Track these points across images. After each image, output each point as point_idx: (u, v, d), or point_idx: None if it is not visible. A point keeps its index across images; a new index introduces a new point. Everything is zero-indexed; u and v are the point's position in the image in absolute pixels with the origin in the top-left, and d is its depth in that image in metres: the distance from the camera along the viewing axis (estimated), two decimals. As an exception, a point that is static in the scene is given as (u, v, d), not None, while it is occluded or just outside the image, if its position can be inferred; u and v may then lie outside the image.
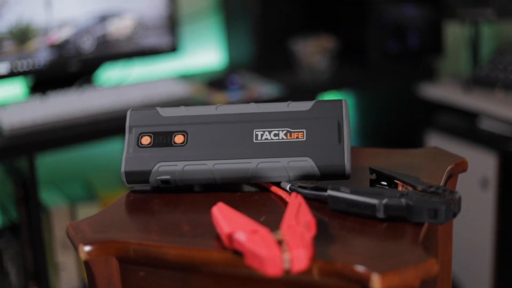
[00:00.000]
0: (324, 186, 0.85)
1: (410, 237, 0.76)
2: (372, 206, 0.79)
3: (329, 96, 2.35)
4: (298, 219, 0.75)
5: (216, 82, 2.26)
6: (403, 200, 0.79)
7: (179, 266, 0.77)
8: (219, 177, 0.89)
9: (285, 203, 0.86)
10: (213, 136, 0.90)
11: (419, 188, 0.82)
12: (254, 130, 0.90)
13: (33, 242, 1.92)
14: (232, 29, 2.51)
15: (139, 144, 0.91)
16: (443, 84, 2.43)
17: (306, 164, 0.87)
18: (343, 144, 0.88)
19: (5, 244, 1.95)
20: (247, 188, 0.92)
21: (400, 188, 0.86)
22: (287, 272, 0.70)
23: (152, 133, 0.92)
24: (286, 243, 0.71)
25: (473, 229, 2.24)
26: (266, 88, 2.21)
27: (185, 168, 0.89)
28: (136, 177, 0.90)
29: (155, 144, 0.91)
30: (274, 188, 0.89)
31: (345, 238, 0.77)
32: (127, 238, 0.79)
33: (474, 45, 2.38)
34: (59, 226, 2.02)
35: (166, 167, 0.89)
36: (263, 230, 0.73)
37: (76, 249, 0.79)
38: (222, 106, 0.93)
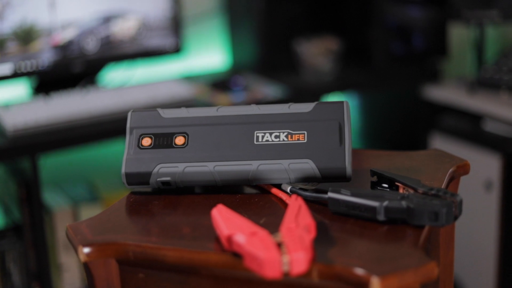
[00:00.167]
0: (325, 188, 0.84)
1: (410, 240, 0.76)
2: (373, 209, 0.79)
3: (333, 97, 2.34)
4: (298, 221, 0.75)
5: (220, 83, 2.26)
6: (403, 203, 0.78)
7: (179, 268, 0.77)
8: (219, 179, 0.89)
9: (285, 205, 0.86)
10: (213, 137, 0.90)
11: (420, 190, 0.82)
12: (255, 132, 0.90)
13: (35, 243, 1.92)
14: (236, 30, 2.51)
15: (139, 146, 0.91)
16: (447, 86, 2.42)
17: (307, 166, 0.87)
18: (344, 146, 0.88)
19: (8, 244, 1.95)
20: (247, 190, 0.92)
21: (401, 190, 0.86)
22: (286, 274, 0.70)
23: (153, 134, 0.92)
24: (286, 245, 0.71)
25: (477, 232, 2.24)
26: (270, 90, 2.21)
27: (186, 169, 0.89)
28: (136, 178, 0.90)
29: (155, 145, 0.91)
30: (274, 190, 0.89)
31: (345, 241, 0.77)
32: (126, 240, 0.79)
33: (479, 47, 2.38)
34: (61, 227, 2.02)
35: (167, 168, 0.89)
36: (262, 233, 0.72)
37: (75, 250, 0.79)
38: (223, 108, 0.92)
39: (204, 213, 0.83)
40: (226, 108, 0.92)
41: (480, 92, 2.30)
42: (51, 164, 2.18)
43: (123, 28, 2.19)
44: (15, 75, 2.03)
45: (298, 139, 0.89)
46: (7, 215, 2.10)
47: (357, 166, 0.95)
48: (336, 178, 0.87)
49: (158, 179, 0.89)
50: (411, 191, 0.84)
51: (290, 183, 0.89)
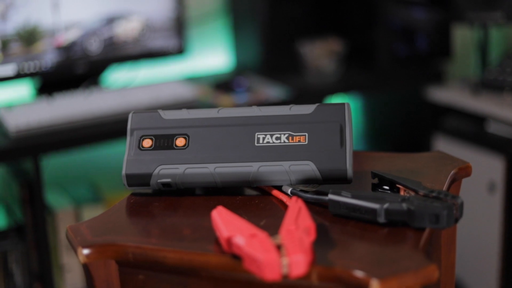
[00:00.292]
0: (325, 190, 0.84)
1: (411, 242, 0.76)
2: (373, 211, 0.79)
3: (336, 99, 2.34)
4: (298, 223, 0.74)
5: (223, 84, 2.26)
6: (404, 205, 0.78)
7: (178, 270, 0.77)
8: (220, 181, 0.89)
9: (286, 207, 0.86)
10: (214, 139, 0.90)
11: (421, 192, 0.82)
12: (256, 134, 0.90)
13: (38, 244, 1.92)
14: (239, 32, 2.51)
15: (140, 147, 0.91)
16: (451, 88, 2.42)
17: (308, 168, 0.87)
18: (345, 148, 0.88)
19: (10, 245, 1.96)
20: (248, 191, 0.92)
21: (402, 192, 0.86)
22: (286, 277, 0.70)
23: (154, 136, 0.91)
24: (285, 247, 0.70)
25: (480, 233, 2.23)
26: (273, 91, 2.21)
27: (186, 171, 0.89)
28: (137, 180, 0.90)
29: (156, 147, 0.91)
30: (275, 192, 0.89)
31: (345, 243, 0.77)
32: (126, 242, 0.78)
33: (483, 48, 2.37)
34: (64, 227, 2.02)
35: (167, 170, 0.89)
36: (261, 235, 0.72)
37: (75, 252, 0.79)
38: (224, 109, 0.92)
39: (204, 215, 0.83)
40: (227, 109, 0.92)
41: (483, 94, 2.30)
42: (54, 165, 2.18)
43: (127, 29, 2.19)
44: (18, 76, 2.04)
45: (299, 141, 0.89)
46: (9, 216, 2.10)
47: (358, 168, 0.95)
48: (337, 180, 0.87)
49: (158, 181, 0.89)
50: (412, 193, 0.83)
51: (290, 185, 0.88)
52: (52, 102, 1.98)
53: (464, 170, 0.96)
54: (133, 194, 0.92)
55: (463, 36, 2.58)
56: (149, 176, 0.89)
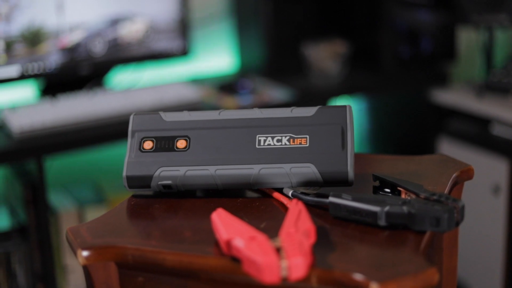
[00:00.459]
0: (326, 192, 0.84)
1: (411, 245, 0.75)
2: (374, 214, 0.79)
3: (341, 101, 2.34)
4: (298, 226, 0.74)
5: (227, 86, 2.26)
6: (405, 208, 0.78)
7: (178, 272, 0.77)
8: (221, 183, 0.88)
9: (286, 209, 0.85)
10: (215, 141, 0.90)
11: (422, 195, 0.81)
12: (257, 136, 0.90)
13: (41, 245, 1.92)
14: (243, 33, 2.51)
15: (141, 149, 0.91)
16: (455, 90, 2.41)
17: (309, 170, 0.87)
18: (347, 151, 0.87)
19: (13, 246, 1.96)
20: (249, 194, 0.91)
21: (403, 195, 0.85)
22: (285, 279, 0.69)
23: (155, 137, 0.91)
24: (284, 250, 0.70)
25: (484, 236, 2.23)
26: (277, 93, 2.21)
27: (187, 173, 0.88)
28: (137, 181, 0.90)
29: (157, 148, 0.90)
30: (276, 194, 0.89)
31: (345, 246, 0.76)
32: (125, 244, 0.78)
33: (487, 50, 2.37)
34: (67, 229, 2.02)
35: (168, 172, 0.89)
36: (261, 237, 0.72)
37: (74, 254, 0.79)
38: (225, 111, 0.92)
39: (205, 217, 0.83)
40: (228, 111, 0.92)
41: (488, 96, 2.29)
42: (57, 166, 2.19)
43: (131, 31, 2.19)
44: (23, 77, 2.04)
45: (300, 143, 0.88)
46: (13, 217, 2.11)
47: (360, 170, 0.95)
48: (338, 182, 0.87)
49: (159, 183, 0.89)
50: (413, 196, 0.83)
51: (291, 187, 0.88)
52: (56, 104, 1.98)
53: (466, 173, 0.96)
54: (134, 196, 0.92)
55: (467, 38, 2.57)
56: (150, 178, 0.89)
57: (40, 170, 1.86)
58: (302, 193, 0.87)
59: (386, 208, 0.78)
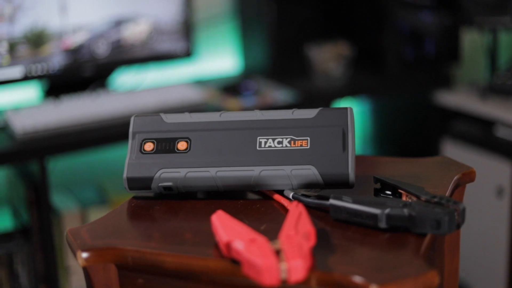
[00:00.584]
0: (327, 194, 0.84)
1: (411, 248, 0.75)
2: (374, 216, 0.78)
3: (344, 102, 2.33)
4: (298, 228, 0.74)
5: (231, 87, 2.26)
6: (405, 210, 0.77)
7: (178, 274, 0.77)
8: (221, 185, 0.88)
9: (287, 211, 0.85)
10: (216, 143, 0.90)
11: (423, 198, 0.81)
12: (258, 138, 0.89)
13: (44, 246, 1.92)
14: (247, 35, 2.50)
15: (142, 151, 0.91)
16: (459, 92, 2.41)
17: (310, 172, 0.86)
18: (348, 153, 0.87)
19: (16, 247, 1.96)
20: (250, 195, 0.91)
21: (404, 198, 0.85)
22: (284, 282, 0.69)
23: (155, 139, 0.91)
24: (284, 253, 0.70)
25: (488, 238, 2.22)
26: (281, 94, 2.20)
27: (188, 175, 0.88)
28: (138, 183, 0.90)
29: (158, 150, 0.90)
30: (276, 196, 0.89)
31: (345, 248, 0.76)
32: (125, 245, 0.78)
33: (492, 52, 2.36)
34: (70, 230, 2.02)
35: (169, 173, 0.89)
36: (260, 239, 0.72)
37: (74, 255, 0.78)
38: (226, 113, 0.92)
39: (205, 219, 0.82)
40: (229, 113, 0.92)
41: (492, 98, 2.29)
42: (60, 167, 2.19)
43: (134, 32, 2.19)
44: (26, 78, 2.04)
45: (301, 145, 0.88)
46: (15, 218, 2.11)
47: (361, 172, 0.94)
48: (339, 184, 0.87)
49: (159, 184, 0.89)
50: (414, 198, 0.83)
51: (292, 189, 0.88)
52: (59, 105, 1.98)
53: (468, 176, 0.96)
54: (134, 198, 0.92)
55: (471, 40, 2.57)
56: (150, 179, 0.89)
57: (43, 171, 1.87)
58: (303, 195, 0.86)
59: (387, 211, 0.78)
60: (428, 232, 0.77)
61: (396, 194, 0.87)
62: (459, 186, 0.95)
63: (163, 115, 0.93)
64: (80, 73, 2.12)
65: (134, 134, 0.92)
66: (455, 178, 0.93)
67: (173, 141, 0.91)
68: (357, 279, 0.69)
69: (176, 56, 2.27)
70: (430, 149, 2.46)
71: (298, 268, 0.69)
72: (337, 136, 0.88)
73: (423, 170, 0.97)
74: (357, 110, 2.79)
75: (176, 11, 2.24)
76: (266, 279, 0.68)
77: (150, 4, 2.20)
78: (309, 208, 0.84)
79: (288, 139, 0.89)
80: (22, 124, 1.87)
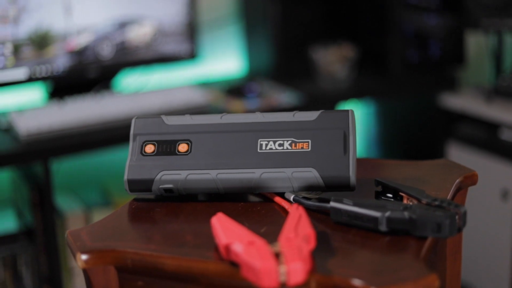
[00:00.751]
0: (328, 197, 0.83)
1: (412, 251, 0.75)
2: (375, 219, 0.78)
3: (348, 105, 2.33)
4: (297, 231, 0.74)
5: (235, 89, 2.26)
6: (406, 214, 0.77)
7: (178, 277, 0.77)
8: (222, 187, 0.88)
9: (288, 214, 0.85)
10: (217, 145, 0.89)
11: (424, 201, 0.81)
12: (259, 140, 0.89)
13: (48, 247, 1.92)
14: (252, 37, 2.50)
15: (142, 152, 0.91)
16: (464, 94, 2.40)
17: (311, 175, 0.86)
18: (349, 155, 0.87)
19: (20, 248, 1.96)
20: (250, 198, 0.91)
21: (405, 201, 0.85)
22: (284, 285, 0.69)
23: (156, 141, 0.91)
24: (283, 255, 0.70)
25: (493, 241, 2.21)
26: (285, 96, 2.20)
27: (188, 177, 0.88)
28: (139, 185, 0.90)
29: (158, 152, 0.90)
30: (277, 199, 0.88)
31: (346, 251, 0.76)
32: (125, 247, 0.78)
33: (497, 55, 2.36)
34: (74, 231, 2.02)
35: (169, 175, 0.88)
36: (260, 242, 0.72)
37: (74, 257, 0.78)
38: (227, 115, 0.92)
39: (206, 221, 0.82)
40: (230, 115, 0.92)
41: (497, 101, 2.28)
42: (64, 168, 2.19)
43: (139, 34, 2.20)
44: (30, 79, 2.04)
45: (302, 148, 0.88)
46: (19, 219, 2.11)
47: (363, 175, 0.94)
48: (339, 187, 0.86)
49: (160, 186, 0.89)
50: (415, 201, 0.83)
51: (293, 192, 0.88)
52: (64, 106, 1.99)
53: (470, 179, 0.95)
54: (135, 200, 0.92)
55: (476, 43, 2.56)
56: (151, 181, 0.89)
57: (47, 173, 1.87)
58: (303, 197, 0.86)
59: (387, 214, 0.78)
60: (428, 235, 0.77)
61: (398, 197, 0.86)
62: (461, 189, 0.95)
63: (164, 117, 0.93)
64: (85, 74, 2.13)
65: (135, 136, 0.92)
66: (457, 181, 0.93)
67: (174, 143, 0.90)
68: (357, 282, 0.68)
69: (181, 58, 2.27)
70: (435, 152, 2.45)
71: (298, 271, 0.69)
72: (338, 139, 0.88)
73: (425, 173, 0.97)
74: (361, 113, 2.79)
75: (181, 13, 2.24)
76: (265, 282, 0.68)
77: (154, 6, 2.20)
78: (310, 211, 0.84)
79: (289, 142, 0.88)
80: (26, 126, 1.88)
